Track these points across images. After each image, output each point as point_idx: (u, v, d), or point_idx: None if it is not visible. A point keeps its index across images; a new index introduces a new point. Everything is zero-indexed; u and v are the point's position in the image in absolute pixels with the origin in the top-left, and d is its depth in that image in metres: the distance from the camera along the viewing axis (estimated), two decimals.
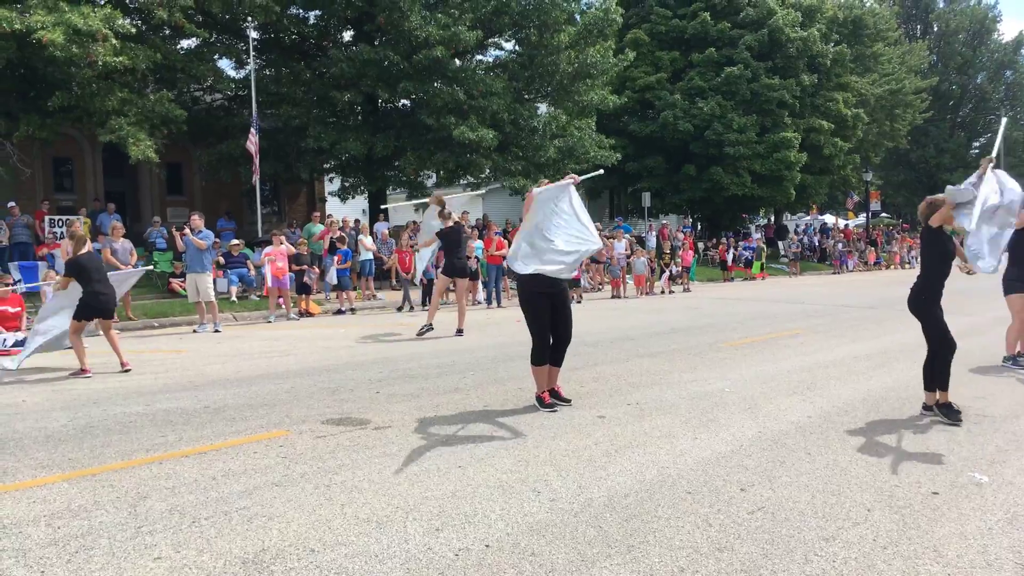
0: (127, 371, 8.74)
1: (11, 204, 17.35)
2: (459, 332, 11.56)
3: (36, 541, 3.65)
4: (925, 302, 5.92)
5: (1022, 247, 8.27)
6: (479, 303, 17.62)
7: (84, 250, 8.84)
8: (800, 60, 31.90)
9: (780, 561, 3.38)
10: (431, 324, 11.58)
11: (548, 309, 6.36)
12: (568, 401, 6.54)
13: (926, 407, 6.05)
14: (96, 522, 3.89)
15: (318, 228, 18.93)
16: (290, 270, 15.44)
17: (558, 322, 6.43)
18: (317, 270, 16.58)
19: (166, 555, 3.48)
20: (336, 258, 16.60)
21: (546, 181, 6.72)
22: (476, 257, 18.15)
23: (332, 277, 16.40)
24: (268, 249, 15.33)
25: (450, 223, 11.76)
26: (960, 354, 8.80)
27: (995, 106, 56.40)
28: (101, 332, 9.36)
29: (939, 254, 5.92)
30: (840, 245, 34.68)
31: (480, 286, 18.00)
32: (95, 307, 8.77)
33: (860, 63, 37.32)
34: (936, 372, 5.96)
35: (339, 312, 16.10)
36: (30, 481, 4.60)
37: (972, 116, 58.22)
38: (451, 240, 11.78)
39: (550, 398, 6.44)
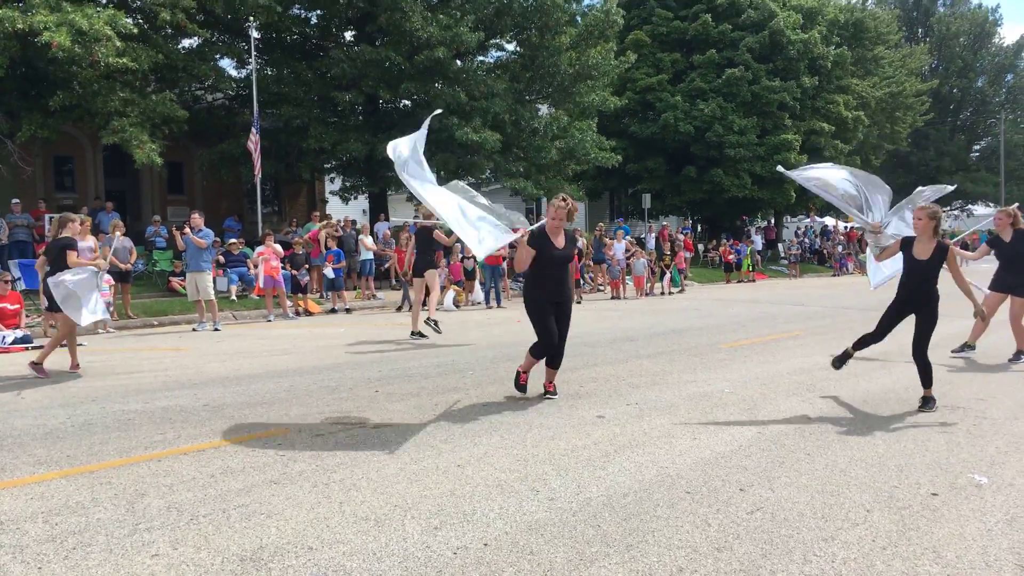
0: (74, 372, 8.58)
1: (15, 201, 17.35)
2: (430, 322, 11.06)
3: (34, 537, 3.65)
4: None
5: (1004, 251, 8.52)
6: (478, 303, 17.62)
7: (63, 234, 8.52)
8: (801, 62, 31.90)
9: (779, 561, 3.37)
10: (431, 323, 11.33)
11: (553, 315, 6.64)
12: (554, 394, 6.85)
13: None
14: (94, 519, 3.88)
15: (315, 227, 18.94)
16: (286, 269, 15.46)
17: (559, 329, 6.71)
18: (305, 267, 16.59)
19: (164, 552, 3.47)
20: (328, 258, 16.61)
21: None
22: (473, 258, 18.15)
23: (329, 272, 16.43)
24: (260, 249, 15.37)
25: (428, 223, 11.55)
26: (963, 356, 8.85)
27: (995, 109, 56.35)
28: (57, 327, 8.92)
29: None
30: (840, 247, 34.66)
31: (477, 286, 18.00)
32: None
33: (861, 66, 37.32)
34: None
35: (332, 311, 16.10)
36: (28, 477, 4.60)
37: (973, 119, 58.23)
38: (423, 239, 11.58)
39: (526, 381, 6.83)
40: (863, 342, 6.63)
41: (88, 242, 14.04)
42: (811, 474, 4.58)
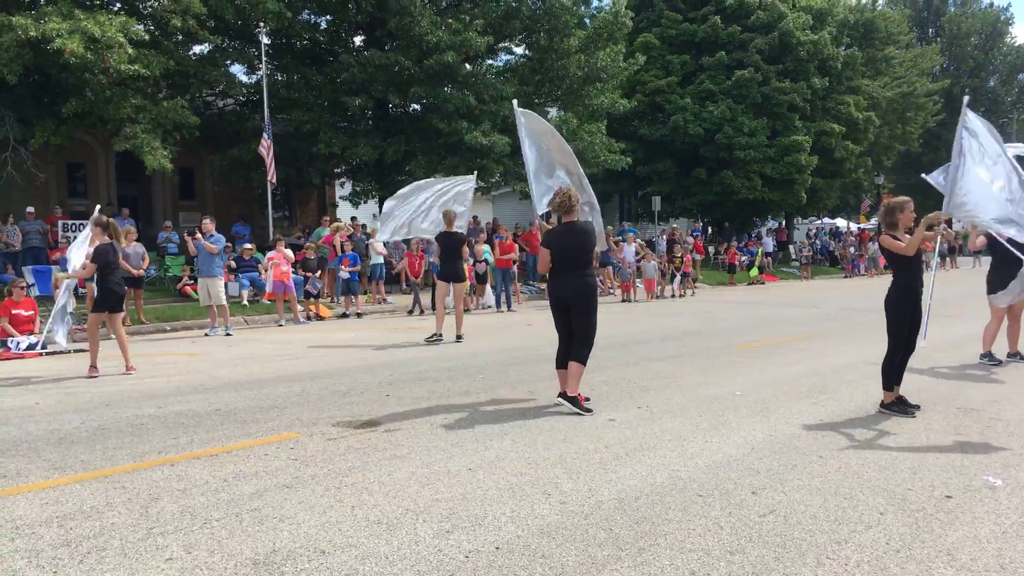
0: (129, 374, 8.79)
1: (29, 209, 17.49)
2: (459, 338, 11.29)
3: (48, 542, 3.68)
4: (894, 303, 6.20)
5: (1002, 251, 8.50)
6: (488, 307, 17.63)
7: (107, 240, 9.06)
8: (811, 63, 31.78)
9: (792, 564, 3.36)
10: (440, 333, 11.33)
11: (565, 313, 6.60)
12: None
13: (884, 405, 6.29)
14: (108, 523, 3.91)
15: (327, 232, 18.98)
16: (298, 273, 15.50)
17: (573, 326, 6.61)
18: (318, 273, 16.63)
19: (177, 556, 3.49)
20: (344, 262, 16.64)
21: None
22: (485, 260, 18.15)
23: (345, 274, 16.44)
24: (270, 254, 15.44)
25: (452, 228, 11.60)
26: (973, 357, 8.78)
27: (1008, 109, 56.06)
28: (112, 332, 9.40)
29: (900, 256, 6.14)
30: (852, 249, 34.47)
31: (488, 289, 18.00)
32: (105, 297, 8.97)
33: (871, 66, 37.14)
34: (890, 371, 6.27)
35: (343, 316, 16.13)
36: (43, 483, 4.63)
37: (985, 119, 57.94)
38: (451, 246, 11.61)
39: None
40: (901, 365, 6.25)
41: (135, 247, 14.26)
42: (824, 477, 4.56)
